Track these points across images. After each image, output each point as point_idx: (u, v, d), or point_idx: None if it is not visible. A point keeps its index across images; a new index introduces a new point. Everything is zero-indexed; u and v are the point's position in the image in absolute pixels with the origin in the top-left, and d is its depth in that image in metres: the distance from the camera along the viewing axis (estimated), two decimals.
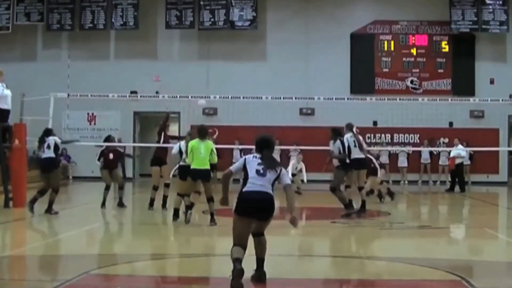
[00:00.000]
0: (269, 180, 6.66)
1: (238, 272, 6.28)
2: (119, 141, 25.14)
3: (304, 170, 18.07)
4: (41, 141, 13.42)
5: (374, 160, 16.95)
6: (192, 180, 11.70)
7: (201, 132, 11.86)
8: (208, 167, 11.58)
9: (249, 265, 6.54)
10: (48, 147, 13.28)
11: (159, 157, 14.43)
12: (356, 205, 13.57)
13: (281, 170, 6.77)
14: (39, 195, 13.14)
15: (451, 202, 18.87)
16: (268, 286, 6.54)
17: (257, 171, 6.67)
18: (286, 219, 6.76)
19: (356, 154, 13.43)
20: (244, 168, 6.75)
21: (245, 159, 6.83)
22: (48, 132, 13.64)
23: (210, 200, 11.62)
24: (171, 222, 11.88)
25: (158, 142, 14.75)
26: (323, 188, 18.75)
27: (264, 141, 6.91)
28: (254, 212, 6.59)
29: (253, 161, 6.76)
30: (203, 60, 26.19)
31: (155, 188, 14.21)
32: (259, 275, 6.71)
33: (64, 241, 10.25)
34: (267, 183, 6.64)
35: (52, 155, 13.30)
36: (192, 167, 11.60)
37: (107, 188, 14.53)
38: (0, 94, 13.86)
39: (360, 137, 13.93)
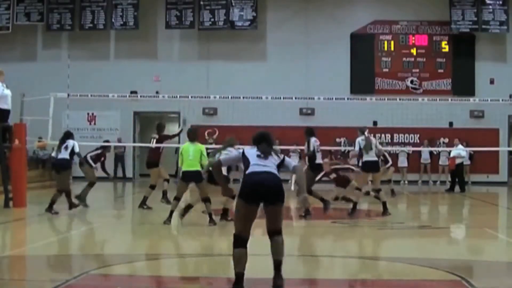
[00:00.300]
0: (272, 164, 6.34)
1: None
2: (119, 141, 25.21)
3: None
4: (61, 142, 13.63)
5: (386, 155, 17.05)
6: (183, 182, 11.78)
7: (190, 135, 12.02)
8: (198, 168, 11.62)
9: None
10: (66, 148, 13.46)
11: (157, 160, 14.54)
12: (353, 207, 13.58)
13: (284, 157, 6.49)
14: (69, 198, 13.52)
15: (451, 202, 18.87)
16: (267, 286, 6.52)
17: (258, 156, 6.37)
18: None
19: (369, 156, 13.38)
20: (244, 158, 6.42)
21: (243, 151, 6.54)
22: (68, 135, 13.83)
23: (205, 200, 11.67)
24: (171, 222, 11.87)
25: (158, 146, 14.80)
26: (324, 188, 18.73)
27: (261, 136, 6.56)
28: (261, 194, 6.18)
29: (252, 150, 6.47)
30: (203, 60, 26.19)
31: (153, 187, 14.34)
32: (277, 284, 6.27)
33: (64, 241, 10.26)
34: (271, 165, 6.32)
35: (67, 157, 13.48)
36: (182, 169, 11.71)
37: (91, 185, 14.57)
38: (0, 94, 13.86)
39: (373, 139, 13.93)
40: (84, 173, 14.92)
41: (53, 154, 14.43)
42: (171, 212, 11.68)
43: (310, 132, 13.54)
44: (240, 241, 6.20)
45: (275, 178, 6.27)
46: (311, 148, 13.19)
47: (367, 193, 15.06)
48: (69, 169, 13.60)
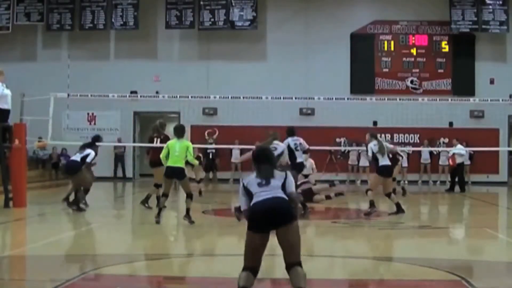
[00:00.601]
0: (276, 186, 5.82)
1: None
2: (119, 141, 25.21)
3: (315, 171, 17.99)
4: (81, 147, 13.99)
5: (399, 152, 17.23)
6: (167, 178, 11.79)
7: (177, 131, 11.94)
8: (181, 165, 11.60)
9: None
10: (81, 153, 13.80)
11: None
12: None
13: (286, 174, 5.95)
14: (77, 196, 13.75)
15: (451, 202, 18.87)
16: (268, 286, 6.52)
17: (259, 184, 5.85)
18: None
19: (384, 161, 13.33)
20: (246, 191, 5.89)
21: (243, 184, 5.95)
22: (89, 145, 14.14)
23: (187, 196, 11.65)
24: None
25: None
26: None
27: (261, 155, 6.10)
28: (269, 220, 5.66)
29: (252, 179, 5.92)
30: (203, 60, 26.19)
31: (157, 187, 14.36)
32: None
33: (64, 241, 10.25)
34: (275, 189, 5.81)
35: (78, 160, 13.76)
36: (167, 164, 11.71)
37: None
38: (0, 93, 13.85)
39: (385, 143, 13.90)
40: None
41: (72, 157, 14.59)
42: (160, 210, 11.66)
43: (289, 131, 13.51)
44: (248, 269, 5.70)
45: (281, 201, 5.77)
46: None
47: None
48: (79, 172, 13.70)
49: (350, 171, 25.61)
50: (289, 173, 6.01)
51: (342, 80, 25.46)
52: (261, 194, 5.78)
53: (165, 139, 14.56)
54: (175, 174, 11.64)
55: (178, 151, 11.54)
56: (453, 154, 21.23)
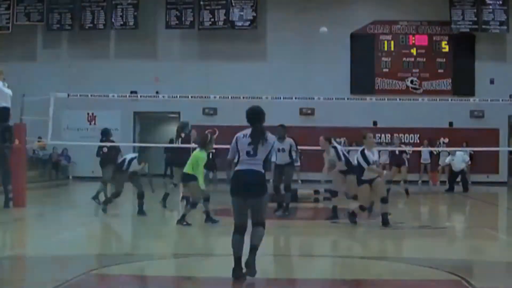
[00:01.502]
0: (260, 159, 6.85)
1: (237, 276, 6.61)
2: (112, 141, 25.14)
3: None
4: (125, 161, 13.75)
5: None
6: None
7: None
8: (186, 171, 11.46)
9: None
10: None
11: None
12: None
13: (272, 147, 6.99)
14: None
15: (451, 202, 18.88)
16: (267, 286, 6.53)
17: (248, 153, 6.85)
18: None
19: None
20: (237, 148, 6.93)
21: (236, 139, 6.98)
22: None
23: (187, 202, 11.78)
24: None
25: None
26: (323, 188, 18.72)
27: (253, 114, 7.31)
28: (243, 189, 6.76)
29: (244, 141, 6.92)
30: (203, 60, 26.17)
31: (175, 185, 14.58)
32: (249, 262, 6.65)
33: (64, 241, 10.24)
34: (258, 162, 6.84)
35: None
36: None
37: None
38: None
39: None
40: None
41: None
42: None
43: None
44: (238, 230, 6.82)
45: (256, 177, 6.81)
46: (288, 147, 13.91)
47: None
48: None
49: None
50: (272, 150, 7.05)
51: (342, 80, 25.45)
52: (245, 162, 6.82)
53: (186, 138, 14.60)
54: (182, 179, 11.89)
55: (191, 158, 11.57)
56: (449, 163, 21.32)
